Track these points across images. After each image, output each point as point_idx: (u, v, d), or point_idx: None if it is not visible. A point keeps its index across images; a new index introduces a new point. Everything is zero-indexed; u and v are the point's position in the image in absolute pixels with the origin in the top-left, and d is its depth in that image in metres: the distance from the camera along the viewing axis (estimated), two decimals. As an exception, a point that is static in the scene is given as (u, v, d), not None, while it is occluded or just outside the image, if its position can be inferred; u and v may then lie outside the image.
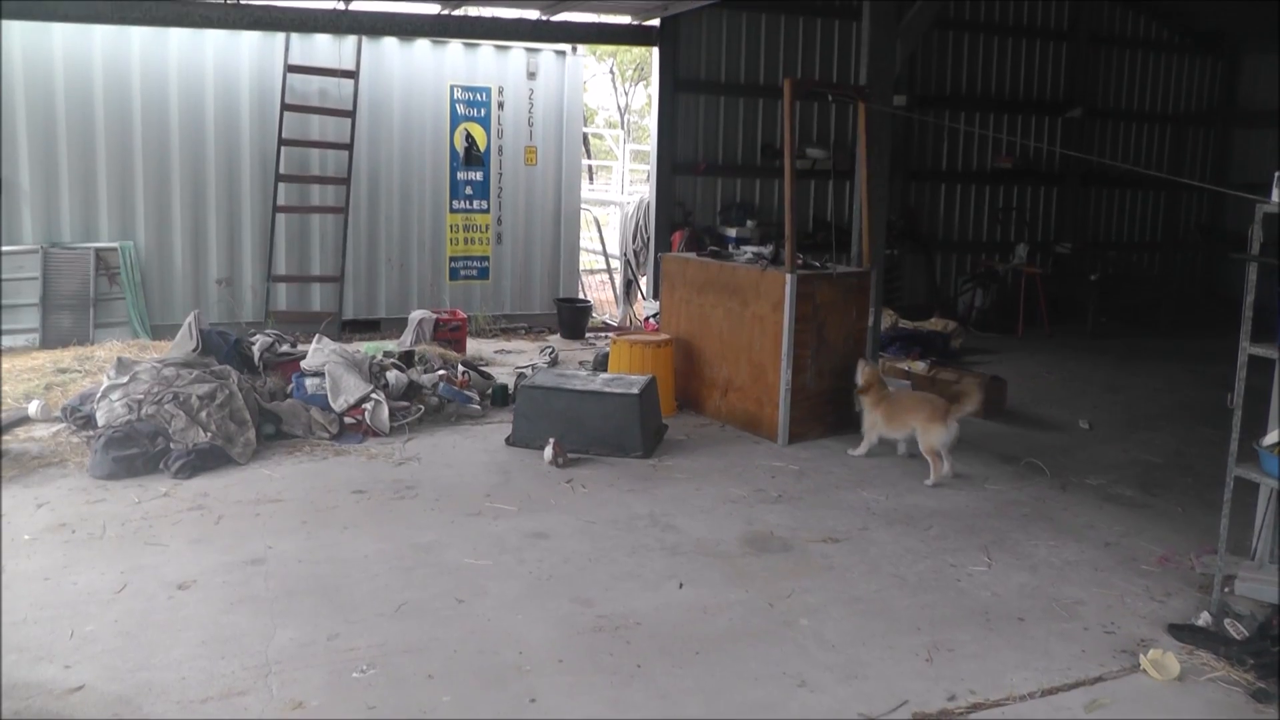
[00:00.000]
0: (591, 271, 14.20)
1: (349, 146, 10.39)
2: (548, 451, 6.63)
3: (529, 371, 8.42)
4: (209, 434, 6.40)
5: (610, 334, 10.32)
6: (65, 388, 7.74)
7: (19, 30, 9.14)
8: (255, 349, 7.73)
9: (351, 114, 10.36)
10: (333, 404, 7.10)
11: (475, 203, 11.27)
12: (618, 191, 17.41)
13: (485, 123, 11.20)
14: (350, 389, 7.17)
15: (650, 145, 11.91)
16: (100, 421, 6.52)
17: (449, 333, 9.58)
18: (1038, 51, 13.57)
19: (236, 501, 5.76)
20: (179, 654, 4.02)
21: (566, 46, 11.43)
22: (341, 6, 10.10)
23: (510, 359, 9.83)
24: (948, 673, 4.12)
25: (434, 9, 10.59)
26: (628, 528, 5.57)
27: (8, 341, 9.11)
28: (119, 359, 7.14)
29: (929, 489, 6.42)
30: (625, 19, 11.28)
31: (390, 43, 10.65)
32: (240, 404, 6.68)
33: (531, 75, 11.30)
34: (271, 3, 9.90)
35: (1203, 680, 4.12)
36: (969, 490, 6.44)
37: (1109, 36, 13.94)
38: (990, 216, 13.65)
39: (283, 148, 10.16)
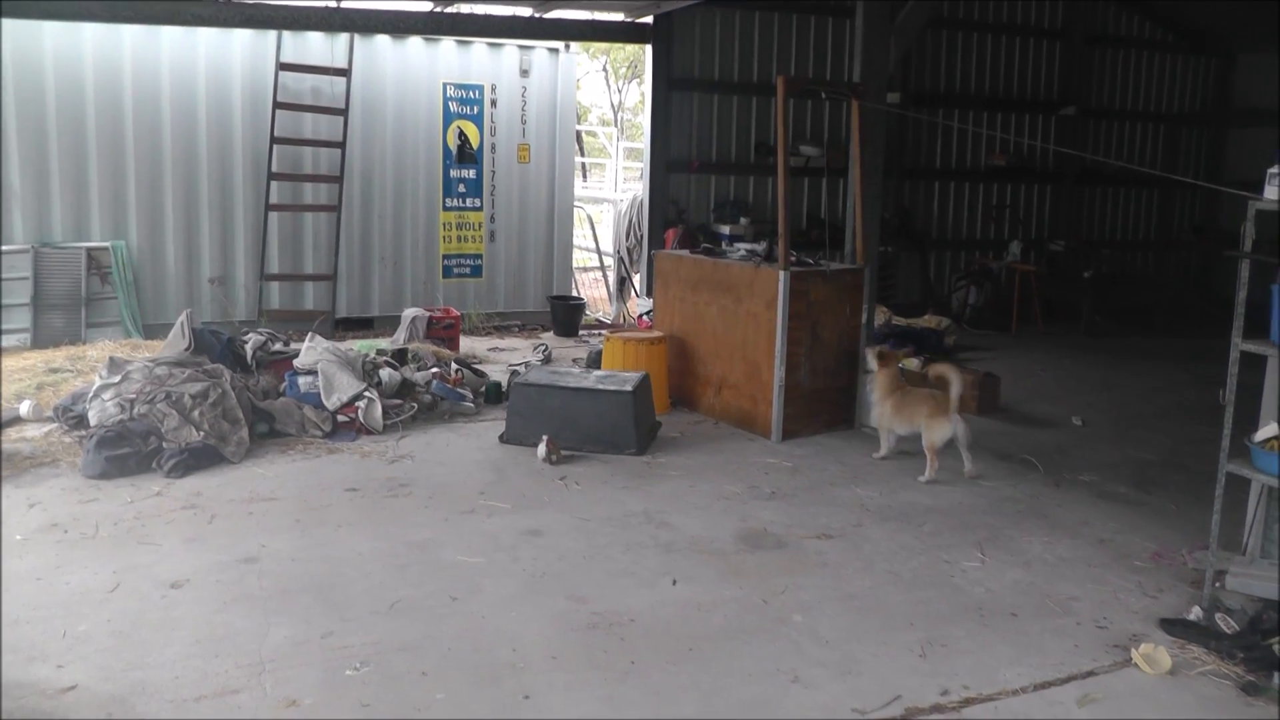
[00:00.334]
0: (585, 269, 14.19)
1: (342, 145, 10.37)
2: (541, 449, 6.63)
3: (522, 369, 8.42)
4: (202, 433, 6.39)
5: (604, 331, 10.33)
6: (57, 387, 7.71)
7: (9, 28, 9.10)
8: (248, 348, 7.72)
9: (344, 112, 10.34)
10: (326, 402, 7.09)
11: (468, 200, 11.26)
12: (611, 189, 17.39)
13: (478, 120, 11.19)
14: (343, 387, 7.16)
15: (644, 143, 11.90)
16: (92, 421, 6.50)
17: (442, 331, 9.57)
18: (1031, 50, 13.57)
19: (230, 500, 5.75)
20: (172, 653, 4.01)
21: (559, 44, 11.42)
22: (334, 4, 10.08)
23: (504, 356, 9.82)
24: (941, 668, 4.13)
25: (426, 6, 10.58)
26: (622, 525, 5.57)
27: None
28: (111, 358, 7.12)
29: (923, 485, 6.43)
30: (618, 16, 11.27)
31: (383, 40, 10.63)
32: (233, 403, 6.67)
33: (524, 73, 11.29)
34: (263, 0, 9.87)
35: (1194, 674, 4.14)
36: (963, 487, 6.44)
37: (1103, 36, 13.96)
38: (984, 214, 13.65)
39: (275, 146, 10.13)
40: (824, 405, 7.54)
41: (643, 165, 12.15)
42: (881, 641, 4.34)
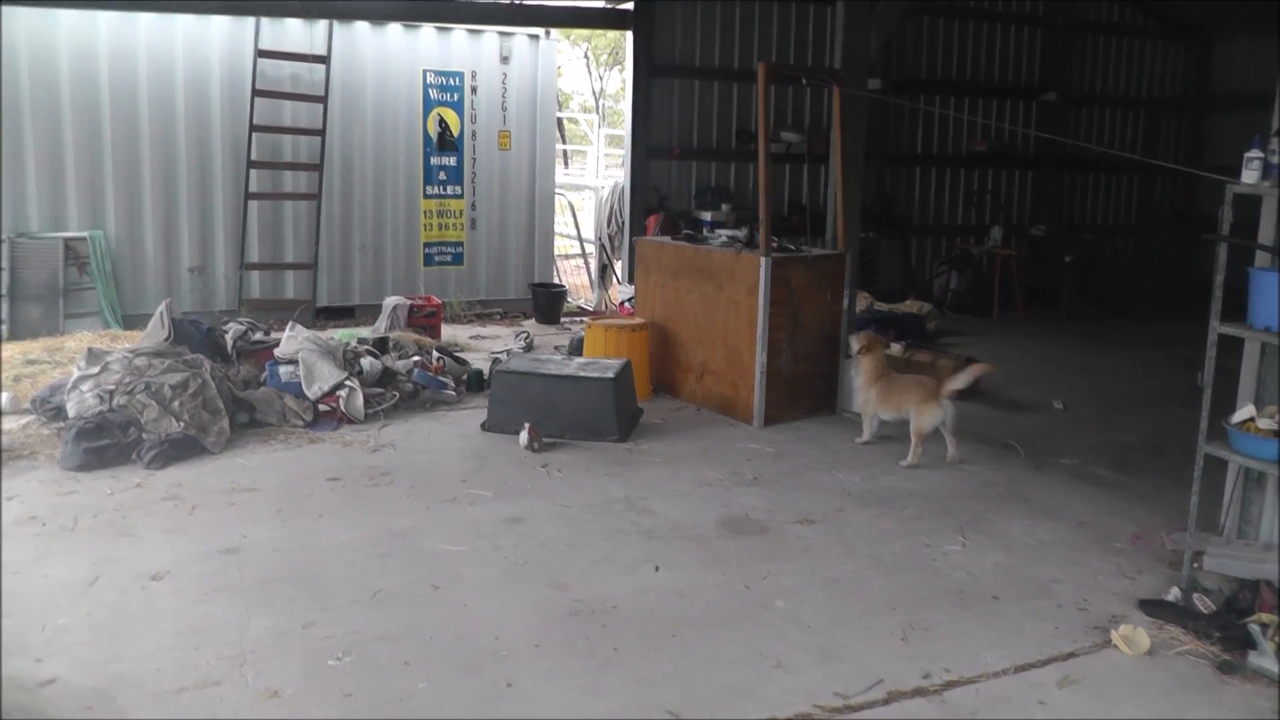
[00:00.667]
0: (566, 256, 14.15)
1: (321, 132, 10.29)
2: (523, 436, 6.62)
3: (504, 357, 8.40)
4: (182, 424, 6.35)
5: (585, 318, 10.32)
6: (34, 379, 7.63)
7: (-18, 16, 8.99)
8: (228, 337, 7.67)
9: (324, 99, 10.26)
10: (307, 391, 7.06)
11: (449, 188, 11.20)
12: (592, 176, 17.34)
13: (459, 108, 11.13)
14: (324, 376, 7.13)
15: (625, 130, 11.87)
16: (71, 413, 6.45)
17: (424, 319, 9.54)
18: (1013, 36, 13.60)
19: (210, 491, 5.72)
20: (153, 645, 3.99)
21: (540, 30, 11.35)
22: (312, -10, 10.01)
23: (485, 344, 9.80)
24: (923, 651, 4.15)
25: (406, -7, 10.51)
26: (604, 512, 5.58)
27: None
28: (89, 349, 7.06)
29: (904, 470, 6.45)
30: (599, 2, 11.22)
31: (362, 27, 10.55)
32: (213, 393, 6.63)
33: (505, 60, 11.22)
34: (241, -13, 9.79)
35: (1172, 654, 4.18)
36: (944, 471, 6.47)
37: (1084, 22, 13.98)
38: (965, 200, 13.69)
39: (254, 134, 10.04)
40: (805, 391, 7.55)
41: (624, 152, 12.12)
42: (863, 626, 4.36)
